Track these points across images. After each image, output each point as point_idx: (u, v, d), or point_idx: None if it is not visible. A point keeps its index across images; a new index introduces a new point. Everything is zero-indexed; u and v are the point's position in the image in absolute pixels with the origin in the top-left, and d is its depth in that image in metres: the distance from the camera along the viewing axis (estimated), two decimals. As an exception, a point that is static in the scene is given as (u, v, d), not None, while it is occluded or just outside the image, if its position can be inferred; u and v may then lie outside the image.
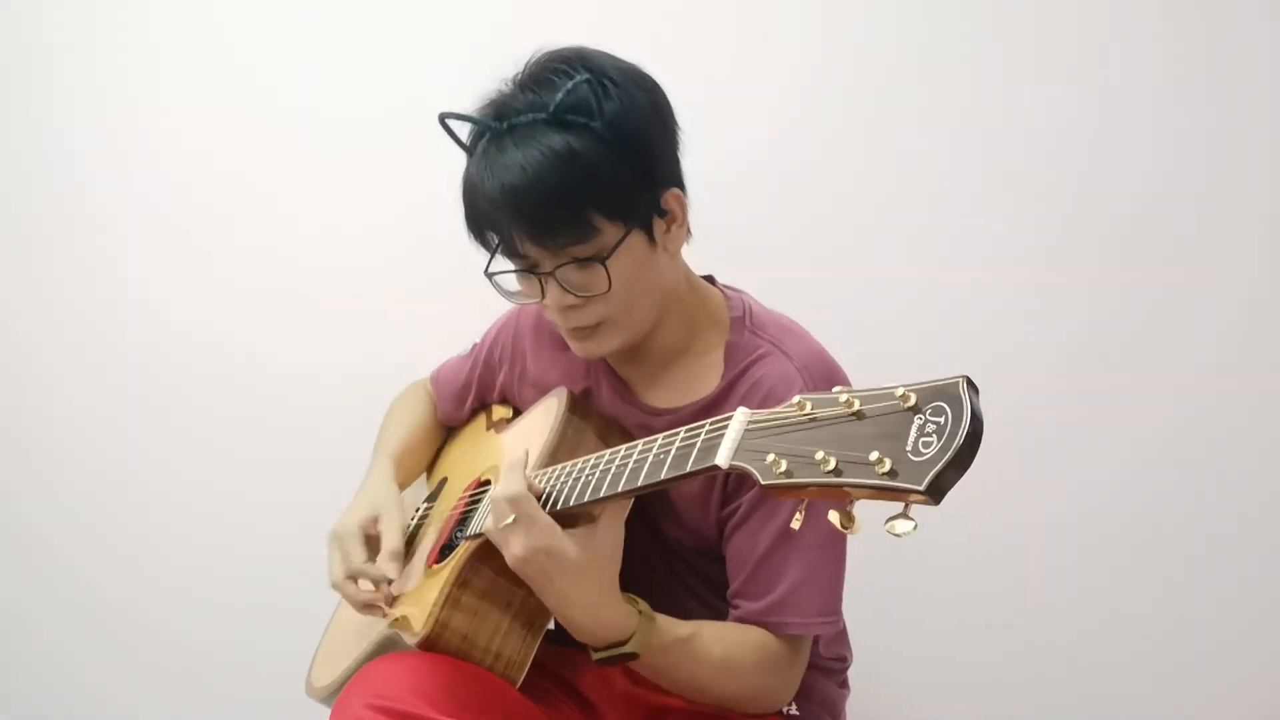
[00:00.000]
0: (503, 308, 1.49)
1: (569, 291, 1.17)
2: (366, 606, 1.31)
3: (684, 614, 1.19)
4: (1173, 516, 1.84)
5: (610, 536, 1.09)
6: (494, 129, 1.16)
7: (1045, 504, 1.83)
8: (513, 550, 1.09)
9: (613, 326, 1.21)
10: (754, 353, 1.24)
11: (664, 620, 1.14)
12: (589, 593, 1.09)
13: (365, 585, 1.31)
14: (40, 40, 1.88)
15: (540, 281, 1.19)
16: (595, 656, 1.12)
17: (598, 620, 1.10)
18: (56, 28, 1.88)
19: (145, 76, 1.89)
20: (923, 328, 1.83)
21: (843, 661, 1.39)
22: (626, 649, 1.10)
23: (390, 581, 1.28)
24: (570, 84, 1.13)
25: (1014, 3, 1.81)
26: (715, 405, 1.23)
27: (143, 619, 1.96)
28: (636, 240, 1.18)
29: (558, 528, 1.07)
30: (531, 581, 1.11)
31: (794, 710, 1.31)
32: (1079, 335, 1.83)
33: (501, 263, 1.22)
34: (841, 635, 1.37)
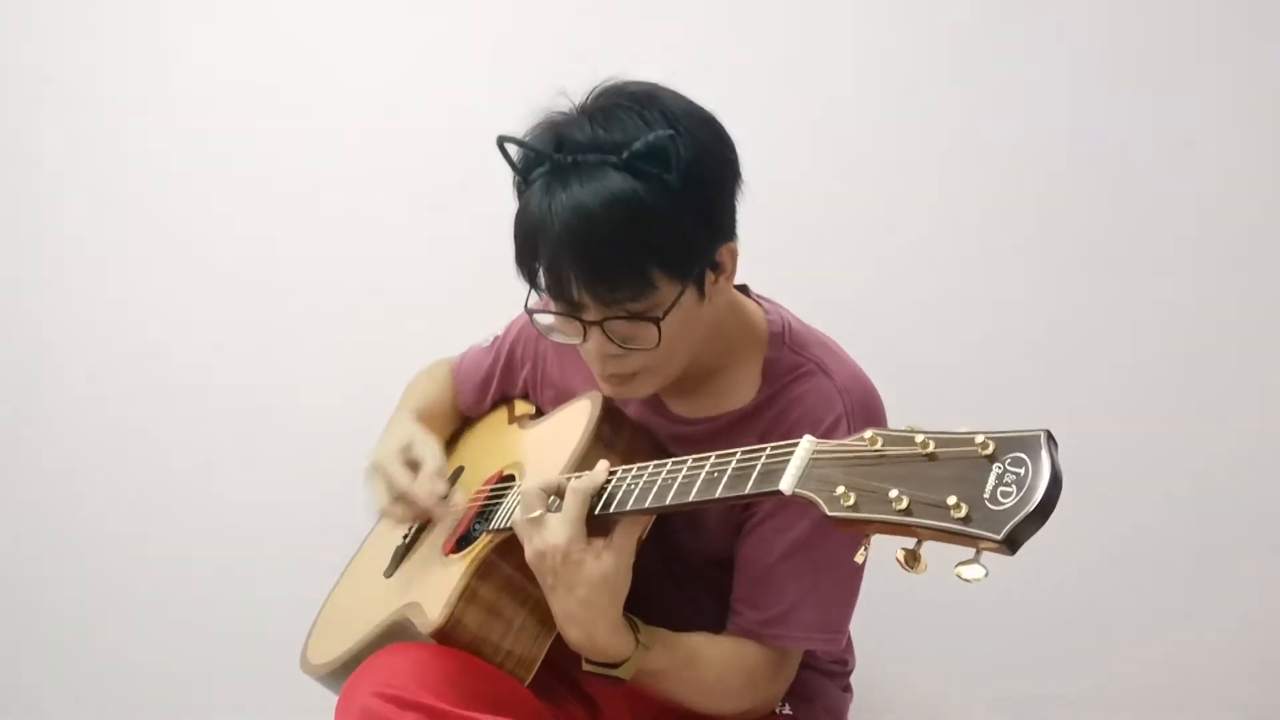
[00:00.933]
0: (499, 311, 1.48)
1: (614, 342, 1.15)
2: (427, 520, 1.35)
3: (679, 623, 1.19)
4: (1179, 516, 1.86)
5: (625, 560, 1.09)
6: (556, 161, 1.11)
7: (1056, 513, 1.85)
8: (534, 544, 1.09)
9: (649, 375, 1.19)
10: (796, 370, 1.24)
11: (660, 646, 1.15)
12: (591, 613, 1.09)
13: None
14: (39, 39, 1.85)
15: (584, 328, 1.15)
16: (585, 667, 1.14)
17: (592, 642, 1.11)
18: (54, 26, 1.85)
19: (144, 77, 1.86)
20: (953, 339, 1.84)
21: (845, 665, 1.41)
22: (616, 672, 1.13)
23: (442, 500, 1.30)
24: (651, 135, 1.08)
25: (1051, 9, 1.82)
26: (751, 417, 1.23)
27: (144, 621, 1.95)
28: (689, 297, 1.14)
29: (585, 536, 1.07)
30: (541, 579, 1.11)
31: (786, 710, 1.32)
32: (1097, 341, 1.85)
33: (543, 298, 1.18)
34: (846, 640, 1.39)
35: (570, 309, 1.15)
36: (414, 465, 1.34)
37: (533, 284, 1.16)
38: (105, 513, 1.93)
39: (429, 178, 1.86)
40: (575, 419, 1.28)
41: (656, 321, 1.12)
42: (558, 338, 1.21)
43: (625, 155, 1.08)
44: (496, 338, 1.50)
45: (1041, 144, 1.83)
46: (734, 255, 1.19)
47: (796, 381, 1.23)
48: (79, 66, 1.85)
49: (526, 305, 1.18)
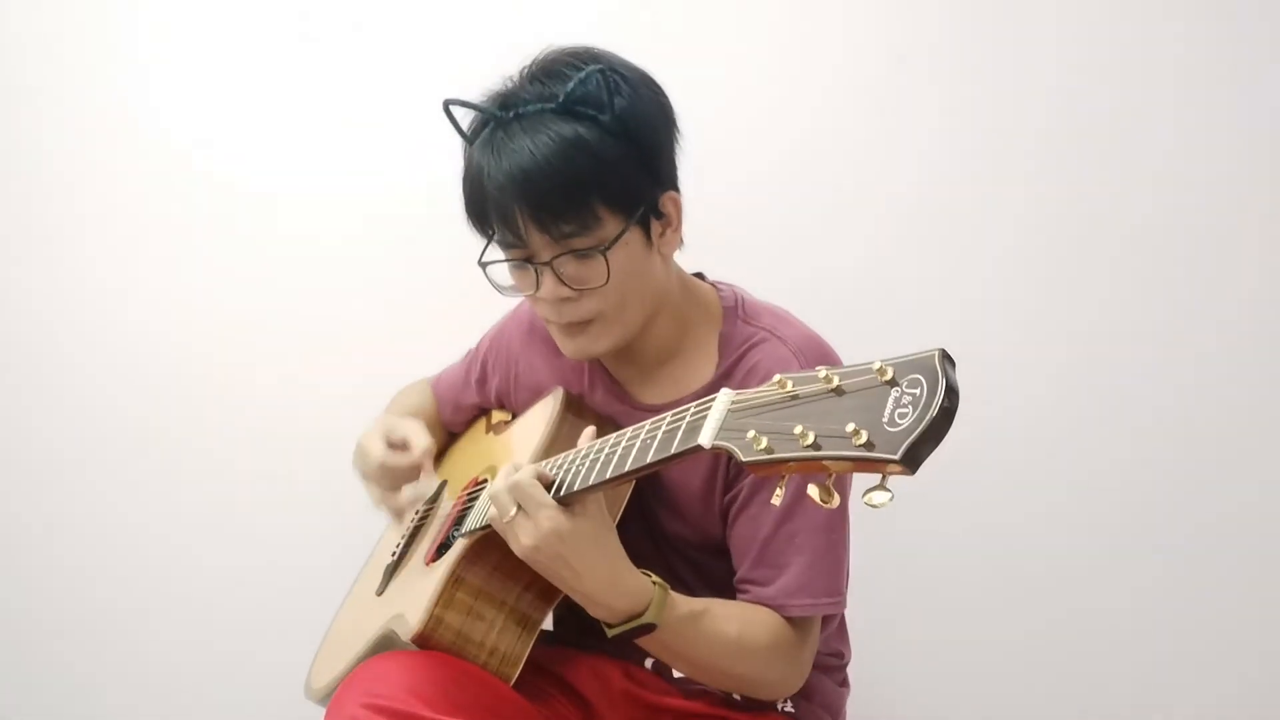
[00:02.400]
0: (498, 313, 1.51)
1: (565, 284, 1.18)
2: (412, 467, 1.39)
3: None
4: (1177, 516, 1.83)
5: (597, 507, 1.09)
6: (500, 118, 1.17)
7: (1046, 500, 1.83)
8: (522, 540, 1.07)
9: (604, 324, 1.22)
10: (749, 340, 1.25)
11: (678, 594, 1.13)
12: (603, 562, 1.08)
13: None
14: (37, 38, 1.90)
15: (536, 273, 1.19)
16: (612, 632, 1.10)
17: (615, 589, 1.08)
18: (52, 26, 1.90)
19: (140, 76, 1.90)
20: (928, 330, 1.77)
21: (840, 658, 1.38)
22: (645, 619, 1.09)
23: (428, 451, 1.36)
24: (581, 75, 1.15)
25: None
26: (710, 394, 1.23)
27: (143, 625, 1.97)
28: (635, 237, 1.19)
29: (560, 509, 1.06)
30: (545, 568, 1.09)
31: (789, 707, 1.31)
32: (1083, 335, 1.83)
33: (496, 253, 1.23)
34: (839, 630, 1.37)
35: (521, 254, 1.19)
36: (398, 445, 1.39)
37: (483, 234, 1.22)
38: (106, 513, 1.95)
39: (433, 179, 1.88)
40: (540, 414, 1.31)
41: (604, 252, 1.16)
42: (511, 294, 1.25)
43: (561, 99, 1.14)
44: (470, 352, 1.54)
45: (1032, 136, 1.82)
46: (678, 205, 1.23)
47: (751, 350, 1.24)
48: (80, 66, 1.89)
49: (480, 260, 1.23)
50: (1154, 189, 1.81)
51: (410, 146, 1.85)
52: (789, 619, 1.19)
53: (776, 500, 0.86)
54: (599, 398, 1.33)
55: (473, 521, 1.23)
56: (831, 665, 1.36)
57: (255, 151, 1.90)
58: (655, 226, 1.21)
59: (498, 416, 1.47)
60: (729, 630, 1.16)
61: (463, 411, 1.54)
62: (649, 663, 1.33)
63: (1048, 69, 1.82)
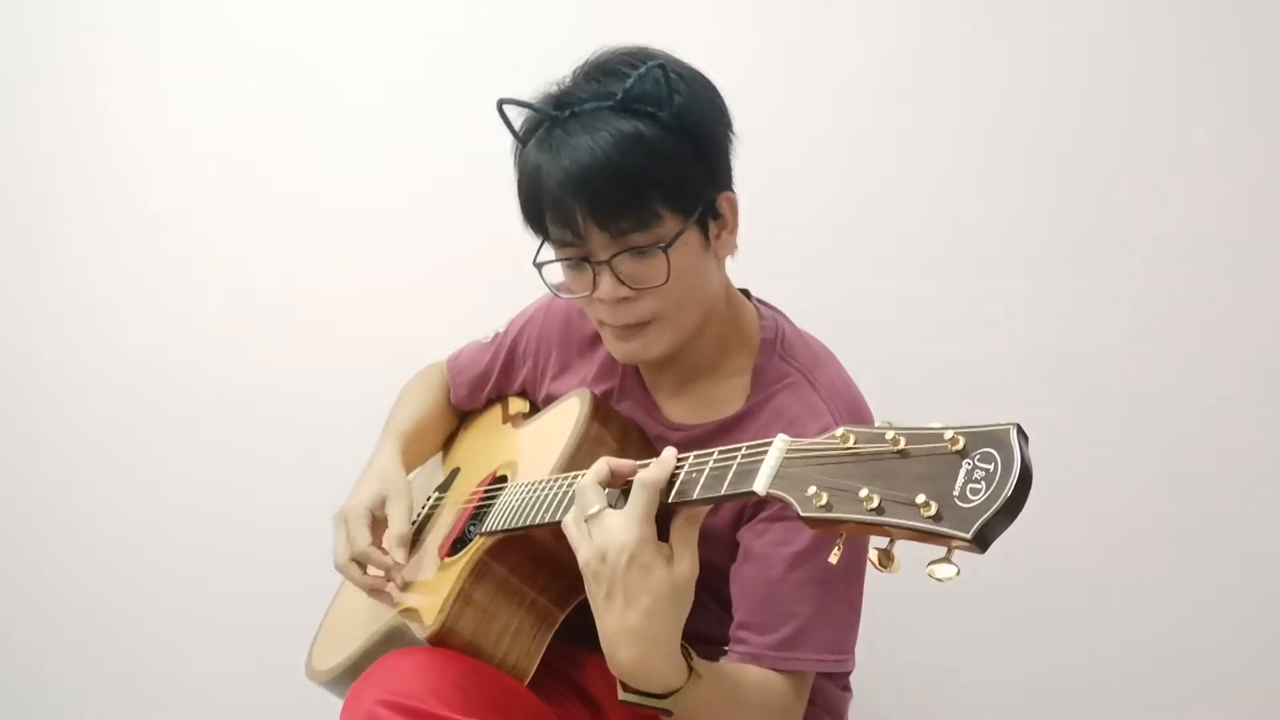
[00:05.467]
0: (498, 316, 1.50)
1: (623, 283, 1.15)
2: (373, 591, 1.31)
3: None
4: (1189, 529, 1.84)
5: (695, 569, 0.96)
6: (556, 117, 1.15)
7: (1051, 508, 1.81)
8: (593, 544, 0.96)
9: (661, 327, 1.19)
10: (781, 380, 1.23)
11: (710, 675, 1.03)
12: (654, 629, 0.95)
13: (373, 571, 1.31)
14: (38, 40, 1.86)
15: (594, 272, 1.16)
16: (623, 696, 1.02)
17: (646, 667, 0.98)
18: (55, 26, 1.86)
19: (139, 75, 1.87)
20: (949, 345, 1.83)
21: (843, 664, 1.38)
22: (664, 704, 1.00)
23: (399, 567, 1.28)
24: (639, 72, 1.12)
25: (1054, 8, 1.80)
26: (735, 426, 1.23)
27: (143, 625, 1.97)
28: (693, 237, 1.17)
29: (655, 536, 0.95)
30: (596, 588, 0.97)
31: None
32: (1106, 349, 1.82)
33: (550, 254, 1.20)
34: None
35: (578, 253, 1.16)
36: (382, 525, 1.33)
37: (540, 233, 1.19)
38: (107, 514, 1.94)
39: (433, 178, 1.86)
40: (565, 416, 1.29)
41: (665, 250, 1.13)
42: (566, 295, 1.23)
43: (620, 96, 1.12)
44: (497, 334, 1.51)
45: (1040, 142, 1.81)
46: (734, 207, 1.22)
47: (782, 391, 1.22)
48: (79, 67, 1.87)
49: (535, 260, 1.21)
50: (1185, 194, 1.80)
51: (409, 147, 1.84)
52: (787, 675, 1.13)
53: (834, 558, 0.85)
54: (625, 405, 1.31)
55: (494, 521, 1.22)
56: (834, 671, 1.37)
57: (254, 151, 1.87)
58: (712, 228, 1.19)
59: (515, 407, 1.45)
60: (746, 707, 1.09)
61: (480, 395, 1.51)
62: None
63: (1077, 71, 1.80)
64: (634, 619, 0.95)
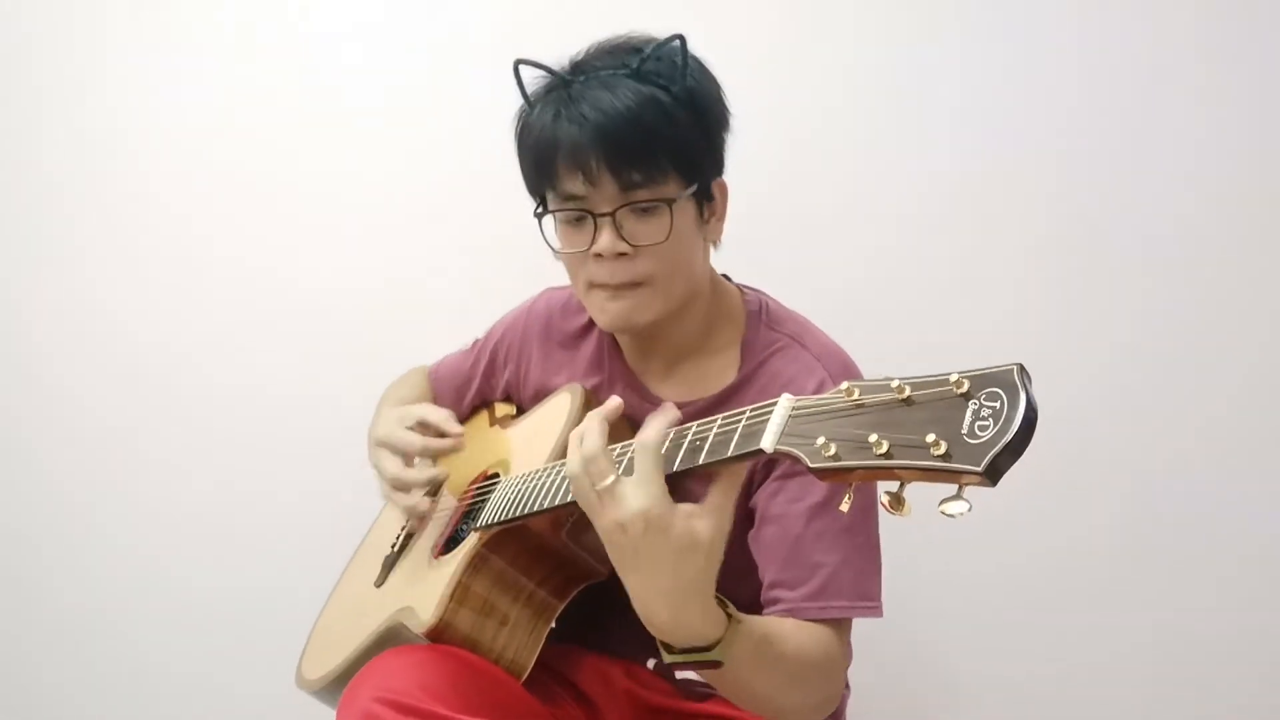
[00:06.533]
0: (496, 312, 1.50)
1: (623, 239, 1.17)
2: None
3: None
4: (1188, 529, 1.84)
5: (724, 522, 0.95)
6: (571, 80, 1.18)
7: (1050, 503, 1.83)
8: (610, 515, 0.94)
9: (653, 290, 1.20)
10: (771, 346, 1.26)
11: (749, 621, 1.01)
12: (682, 584, 0.93)
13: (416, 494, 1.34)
14: (39, 39, 1.87)
15: (595, 225, 1.18)
16: (669, 658, 0.98)
17: (681, 622, 0.95)
18: (56, 25, 1.87)
19: (139, 74, 1.88)
20: (946, 333, 1.83)
21: (842, 660, 1.38)
22: (711, 655, 0.97)
23: (461, 437, 1.31)
24: (656, 44, 1.17)
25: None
26: (731, 397, 1.23)
27: (142, 625, 1.95)
28: (691, 207, 1.21)
29: (668, 496, 0.93)
30: (619, 556, 0.95)
31: None
32: (1105, 349, 1.83)
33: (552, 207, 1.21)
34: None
35: (582, 205, 1.18)
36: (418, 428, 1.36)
37: (545, 182, 1.20)
38: (108, 514, 1.93)
39: (432, 180, 1.87)
40: (556, 411, 1.29)
41: (670, 203, 1.16)
42: (568, 248, 1.22)
43: (636, 66, 1.16)
44: (477, 341, 1.51)
45: (1034, 138, 1.82)
46: (725, 194, 1.26)
47: (773, 357, 1.25)
48: (79, 67, 1.87)
49: (535, 211, 1.23)
50: (1184, 194, 1.81)
51: (409, 147, 1.85)
52: (824, 622, 1.14)
53: (845, 506, 0.86)
54: (618, 393, 1.30)
55: (490, 514, 1.22)
56: (833, 667, 1.36)
57: (254, 151, 1.88)
58: (706, 209, 1.23)
59: (502, 410, 1.45)
60: (786, 655, 1.06)
61: (463, 402, 1.52)
62: (651, 663, 1.33)
63: (1069, 66, 1.81)
64: (663, 580, 0.94)
